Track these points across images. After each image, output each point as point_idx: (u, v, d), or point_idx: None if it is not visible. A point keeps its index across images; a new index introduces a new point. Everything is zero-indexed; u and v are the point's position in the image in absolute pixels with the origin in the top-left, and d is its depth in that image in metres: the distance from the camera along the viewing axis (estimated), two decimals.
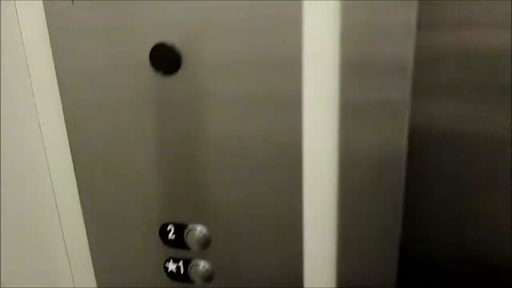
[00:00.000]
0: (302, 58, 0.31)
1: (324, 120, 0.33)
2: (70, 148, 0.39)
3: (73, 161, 0.39)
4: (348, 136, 0.32)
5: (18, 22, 0.36)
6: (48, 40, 0.36)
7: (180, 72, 0.33)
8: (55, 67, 0.36)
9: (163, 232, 0.39)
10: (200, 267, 0.39)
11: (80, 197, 0.40)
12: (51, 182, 0.41)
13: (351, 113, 0.32)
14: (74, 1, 0.34)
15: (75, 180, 0.40)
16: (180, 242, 0.39)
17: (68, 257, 0.44)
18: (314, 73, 0.32)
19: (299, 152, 0.34)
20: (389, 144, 0.32)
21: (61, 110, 0.37)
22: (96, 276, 0.44)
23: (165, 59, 0.33)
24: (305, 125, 0.33)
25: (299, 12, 0.30)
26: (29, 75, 0.37)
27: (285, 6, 0.30)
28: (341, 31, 0.30)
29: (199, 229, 0.38)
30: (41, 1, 0.35)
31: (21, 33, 0.36)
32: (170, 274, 0.40)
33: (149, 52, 0.33)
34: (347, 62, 0.31)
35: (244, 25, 0.31)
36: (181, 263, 0.40)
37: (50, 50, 0.36)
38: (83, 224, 0.42)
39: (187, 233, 0.38)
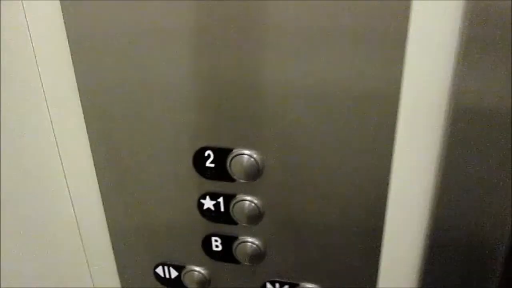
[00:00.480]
0: None
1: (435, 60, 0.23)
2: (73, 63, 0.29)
3: (75, 75, 0.29)
4: (466, 82, 0.23)
5: None
6: None
7: None
8: None
9: (199, 158, 0.30)
10: (247, 204, 0.31)
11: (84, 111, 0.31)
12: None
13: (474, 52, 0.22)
14: None
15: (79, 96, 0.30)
16: (221, 172, 0.30)
17: (68, 187, 0.35)
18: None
19: (397, 91, 0.25)
20: None
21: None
22: (108, 221, 0.35)
23: None
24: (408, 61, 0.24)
25: None
26: None
27: None
28: None
29: (248, 154, 0.29)
30: None
31: None
32: (206, 213, 0.32)
33: None
34: None
35: None
36: (221, 200, 0.31)
37: None
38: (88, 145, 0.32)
39: (231, 159, 0.29)
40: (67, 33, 0.28)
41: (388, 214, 0.29)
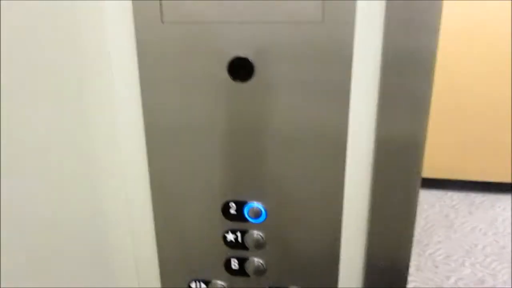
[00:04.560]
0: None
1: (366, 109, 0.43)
2: (145, 128, 0.47)
3: (147, 142, 0.47)
4: (383, 124, 0.43)
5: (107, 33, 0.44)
6: (136, 54, 0.44)
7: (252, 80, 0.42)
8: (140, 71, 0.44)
9: (225, 208, 0.48)
10: (255, 235, 0.49)
11: (150, 180, 0.49)
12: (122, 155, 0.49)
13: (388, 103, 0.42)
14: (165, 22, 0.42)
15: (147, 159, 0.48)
16: (239, 216, 0.48)
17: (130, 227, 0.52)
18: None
19: (345, 137, 0.44)
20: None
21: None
22: (158, 245, 0.52)
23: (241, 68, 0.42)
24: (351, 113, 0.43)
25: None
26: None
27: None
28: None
29: (257, 204, 0.47)
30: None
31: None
32: (229, 243, 0.49)
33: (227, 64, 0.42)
34: (388, 56, 0.41)
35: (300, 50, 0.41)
36: (238, 234, 0.49)
37: (137, 62, 0.44)
38: (150, 200, 0.50)
39: (247, 208, 0.47)
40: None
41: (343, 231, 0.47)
